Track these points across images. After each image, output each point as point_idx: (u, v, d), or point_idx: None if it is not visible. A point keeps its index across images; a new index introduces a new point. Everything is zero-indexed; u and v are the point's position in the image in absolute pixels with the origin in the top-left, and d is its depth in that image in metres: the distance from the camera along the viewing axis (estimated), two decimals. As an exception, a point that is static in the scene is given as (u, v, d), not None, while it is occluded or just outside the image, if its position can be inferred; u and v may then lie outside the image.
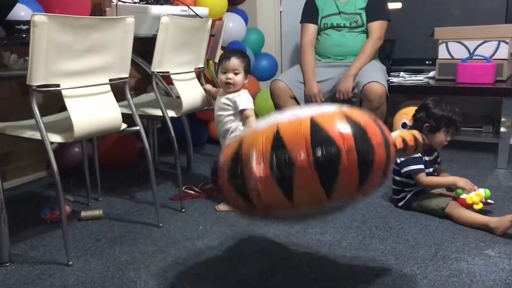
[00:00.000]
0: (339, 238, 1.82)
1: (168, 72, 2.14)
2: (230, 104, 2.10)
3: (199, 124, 3.23)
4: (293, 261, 1.65)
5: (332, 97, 2.81)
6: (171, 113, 2.16)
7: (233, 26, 3.16)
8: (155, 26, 2.05)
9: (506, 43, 2.67)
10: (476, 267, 1.57)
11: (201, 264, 1.66)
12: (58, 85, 1.64)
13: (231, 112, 2.11)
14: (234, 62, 2.07)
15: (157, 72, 2.09)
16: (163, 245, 1.82)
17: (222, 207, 2.13)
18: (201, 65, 2.37)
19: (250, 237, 1.86)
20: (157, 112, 2.15)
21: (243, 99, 2.09)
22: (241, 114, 2.09)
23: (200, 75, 2.39)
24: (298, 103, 2.77)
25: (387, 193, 2.22)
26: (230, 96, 2.10)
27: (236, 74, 2.07)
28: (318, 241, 1.80)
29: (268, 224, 1.95)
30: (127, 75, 1.88)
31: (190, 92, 2.24)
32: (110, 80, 1.82)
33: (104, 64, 1.77)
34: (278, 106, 2.79)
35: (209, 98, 2.39)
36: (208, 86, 2.33)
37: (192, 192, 2.32)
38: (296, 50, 3.78)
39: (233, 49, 2.18)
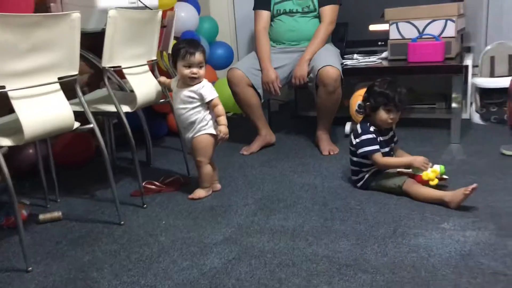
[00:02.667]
0: (302, 222, 1.85)
1: (119, 66, 2.09)
2: (196, 96, 2.09)
3: (157, 117, 3.19)
4: (257, 249, 1.66)
5: (289, 83, 2.83)
6: (125, 108, 2.12)
7: (186, 15, 3.12)
8: (103, 20, 2.00)
9: (453, 21, 2.74)
10: (433, 241, 1.62)
11: (165, 259, 1.65)
12: (3, 87, 1.58)
13: (197, 104, 2.10)
14: (199, 56, 2.07)
15: (108, 67, 2.04)
16: (126, 242, 1.79)
17: (199, 193, 2.15)
18: (154, 58, 2.33)
19: (213, 227, 1.86)
20: (111, 108, 2.11)
21: (208, 90, 2.09)
22: (208, 105, 2.10)
23: (154, 67, 2.35)
24: (256, 90, 2.77)
25: (347, 175, 2.26)
26: (194, 88, 2.09)
27: (200, 67, 2.07)
28: (281, 226, 1.82)
29: (232, 212, 1.97)
30: (77, 72, 1.83)
31: (144, 86, 2.20)
32: (59, 78, 1.76)
33: (51, 62, 1.71)
34: (236, 95, 2.79)
35: (165, 91, 2.36)
36: (162, 78, 2.29)
37: (153, 186, 2.29)
38: (251, 37, 3.77)
39: (191, 41, 2.13)
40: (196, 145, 2.14)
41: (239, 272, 1.52)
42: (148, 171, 2.61)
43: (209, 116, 2.13)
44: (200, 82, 2.10)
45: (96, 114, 2.02)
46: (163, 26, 2.45)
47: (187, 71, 2.06)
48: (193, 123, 2.12)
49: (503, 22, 3.26)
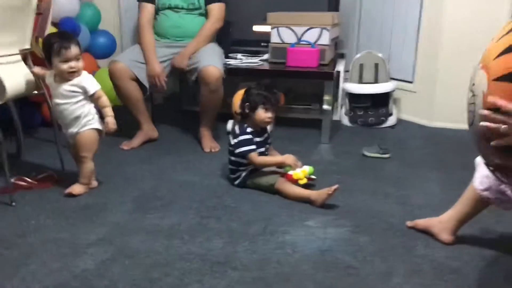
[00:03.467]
0: (178, 221, 1.90)
1: (-13, 54, 1.95)
2: (78, 90, 2.03)
3: (30, 106, 3.00)
4: (132, 249, 1.68)
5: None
6: (-7, 100, 1.99)
7: (65, 0, 2.97)
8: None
9: (328, 30, 2.96)
10: (298, 238, 1.77)
11: (34, 261, 1.60)
12: None
13: (80, 97, 2.04)
14: (75, 49, 2.00)
15: (-27, 55, 1.89)
16: (-10, 244, 1.70)
17: (77, 188, 2.10)
18: (27, 46, 2.20)
19: (87, 227, 1.83)
20: (-24, 99, 1.96)
21: (90, 82, 2.05)
22: (92, 97, 2.05)
23: (27, 57, 2.22)
24: (140, 84, 2.74)
25: (225, 172, 2.35)
26: (74, 82, 2.03)
27: (78, 60, 2.01)
28: (157, 225, 1.86)
29: (107, 211, 1.95)
30: None
31: (15, 77, 2.07)
32: None
33: None
34: (118, 88, 2.74)
35: (39, 82, 2.24)
36: (36, 69, 2.18)
37: (24, 183, 2.18)
38: (136, 29, 3.69)
39: (63, 34, 2.06)
40: (81, 141, 2.08)
41: (112, 273, 1.53)
42: (18, 165, 2.46)
43: (94, 110, 2.09)
44: (80, 74, 2.04)
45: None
46: (38, 13, 2.32)
47: (64, 66, 1.99)
48: (77, 118, 2.05)
49: (373, 32, 3.59)
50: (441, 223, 1.72)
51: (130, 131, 2.84)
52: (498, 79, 1.05)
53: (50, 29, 2.54)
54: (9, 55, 2.07)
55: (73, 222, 1.88)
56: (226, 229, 1.84)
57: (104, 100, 2.08)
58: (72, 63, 2.00)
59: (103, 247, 1.69)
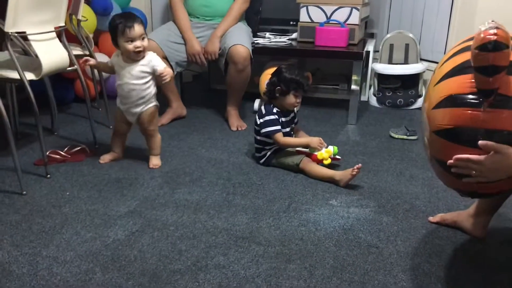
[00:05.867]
0: (205, 196, 1.96)
1: (24, 32, 2.02)
2: (148, 70, 2.11)
3: (64, 82, 3.09)
4: (160, 222, 1.75)
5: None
6: (29, 76, 2.05)
7: (98, -21, 3.01)
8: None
9: (358, 9, 2.93)
10: (321, 216, 1.81)
11: (68, 230, 1.68)
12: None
13: (149, 78, 2.13)
14: (139, 28, 2.04)
15: (11, 32, 1.96)
16: (28, 213, 1.79)
17: (107, 156, 2.24)
18: (62, 24, 2.26)
19: (119, 200, 1.91)
20: (14, 75, 2.03)
21: (158, 61, 2.13)
22: (159, 75, 2.11)
23: (62, 34, 2.28)
24: (170, 64, 2.77)
25: (251, 151, 2.39)
26: (145, 62, 2.10)
27: (143, 39, 2.06)
28: (185, 200, 1.92)
29: (138, 185, 2.02)
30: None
31: (50, 53, 2.13)
32: None
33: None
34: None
35: (73, 58, 2.31)
36: (93, 61, 2.24)
37: (58, 156, 2.27)
38: (166, 6, 3.72)
39: (126, 15, 2.10)
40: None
41: (141, 244, 1.60)
42: (52, 139, 2.56)
43: (155, 89, 2.18)
44: (146, 54, 2.11)
45: (-3, 80, 1.95)
46: (72, -9, 2.37)
47: (130, 46, 2.03)
48: (143, 97, 2.14)
49: (403, 12, 3.53)
50: (472, 217, 1.65)
51: (160, 108, 2.88)
52: (436, 132, 1.23)
53: (83, 7, 2.59)
54: (45, 32, 2.13)
55: (105, 194, 1.96)
56: (251, 205, 1.88)
57: (166, 72, 2.13)
58: (137, 43, 2.04)
59: (133, 219, 1.76)
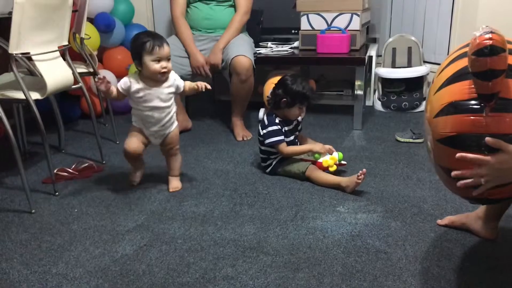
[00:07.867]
0: (212, 208, 1.96)
1: (28, 53, 2.05)
2: (174, 90, 2.05)
3: (70, 100, 3.13)
4: (168, 235, 1.75)
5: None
6: (35, 95, 2.08)
7: (99, -3, 3.06)
8: (10, 3, 1.94)
9: (358, 15, 2.94)
10: (328, 223, 1.80)
11: (77, 247, 1.69)
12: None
13: (173, 98, 2.08)
14: (168, 48, 1.95)
15: (16, 53, 1.99)
16: (37, 231, 1.81)
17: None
18: (66, 43, 2.29)
19: (126, 215, 1.92)
20: (20, 95, 2.06)
21: (178, 77, 2.07)
22: (180, 92, 2.08)
23: (65, 52, 2.31)
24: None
25: (257, 160, 2.40)
26: (170, 83, 2.02)
27: (168, 60, 1.97)
28: (192, 212, 1.92)
29: (145, 199, 2.03)
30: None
31: (55, 72, 2.16)
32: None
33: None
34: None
35: (77, 76, 2.34)
36: (114, 90, 2.00)
37: (65, 173, 2.29)
38: (169, 21, 3.76)
39: (153, 33, 2.00)
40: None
41: (149, 258, 1.61)
42: (60, 156, 2.59)
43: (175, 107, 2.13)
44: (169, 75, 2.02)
45: (3, 101, 1.97)
46: (75, 10, 2.41)
47: (157, 66, 1.93)
48: (171, 118, 2.09)
49: (404, 15, 3.53)
50: (481, 219, 1.64)
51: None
52: (440, 141, 1.22)
53: (85, 24, 2.63)
54: (49, 52, 2.16)
55: (113, 210, 1.97)
56: (258, 215, 1.88)
57: (187, 85, 2.10)
58: (164, 63, 1.94)
59: (141, 233, 1.77)
